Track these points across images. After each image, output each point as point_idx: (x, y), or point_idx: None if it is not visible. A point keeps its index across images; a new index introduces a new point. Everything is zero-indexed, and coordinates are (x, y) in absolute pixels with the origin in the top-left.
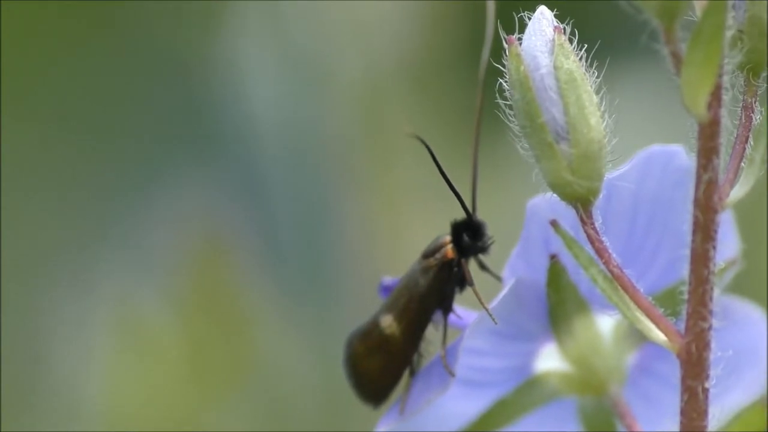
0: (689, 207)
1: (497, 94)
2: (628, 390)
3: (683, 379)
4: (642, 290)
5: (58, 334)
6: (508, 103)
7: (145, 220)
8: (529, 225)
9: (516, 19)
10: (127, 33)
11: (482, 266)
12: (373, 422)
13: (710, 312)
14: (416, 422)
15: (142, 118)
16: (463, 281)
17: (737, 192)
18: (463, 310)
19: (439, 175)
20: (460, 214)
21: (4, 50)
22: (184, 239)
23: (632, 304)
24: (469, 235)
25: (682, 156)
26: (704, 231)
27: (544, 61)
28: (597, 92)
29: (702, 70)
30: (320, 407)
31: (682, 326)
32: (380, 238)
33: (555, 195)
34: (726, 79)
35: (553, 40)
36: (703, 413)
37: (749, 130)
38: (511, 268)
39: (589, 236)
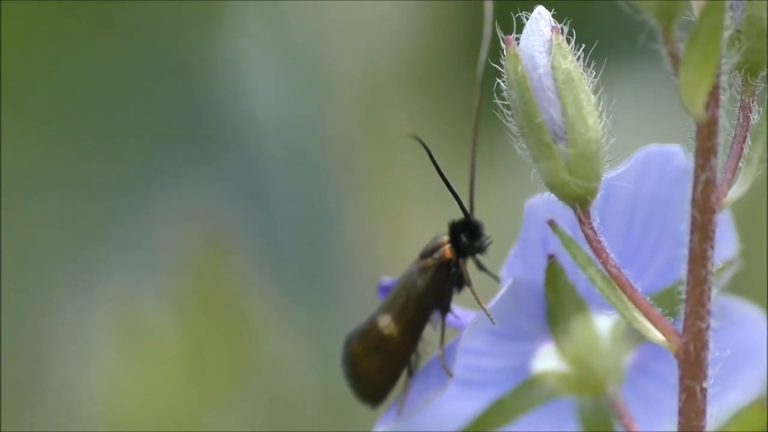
0: (687, 207)
1: (495, 94)
2: (626, 390)
3: (681, 378)
4: (640, 290)
5: (58, 334)
6: (506, 103)
7: (145, 220)
8: (526, 225)
9: (514, 19)
10: (127, 33)
11: (480, 266)
12: (372, 422)
13: (708, 312)
14: (414, 422)
15: (142, 118)
16: (461, 281)
17: (735, 192)
18: (461, 310)
19: (438, 175)
20: (460, 214)
21: (4, 50)
22: (184, 239)
23: (630, 304)
24: (467, 235)
25: (680, 156)
26: (702, 231)
27: (542, 61)
28: (595, 92)
29: (700, 69)
30: (320, 407)
31: (680, 326)
32: (380, 238)
33: (553, 195)
34: (724, 79)
35: (551, 40)
36: (702, 413)
37: (747, 130)
38: (509, 268)
39: (586, 236)
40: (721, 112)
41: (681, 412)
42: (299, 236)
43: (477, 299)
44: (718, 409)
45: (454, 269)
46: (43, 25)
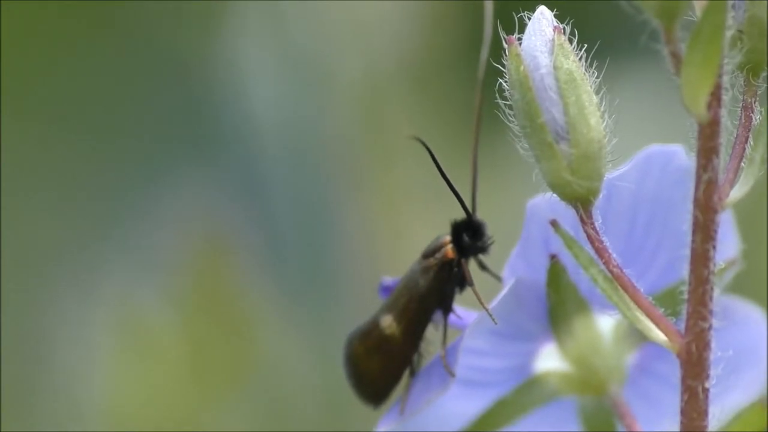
0: (689, 207)
1: (497, 94)
2: (628, 390)
3: (683, 379)
4: (642, 290)
5: (58, 334)
6: (507, 103)
7: (145, 220)
8: (529, 225)
9: (516, 19)
10: (127, 33)
11: (482, 266)
12: (373, 422)
13: (710, 312)
14: (416, 422)
15: (142, 118)
16: (463, 281)
17: (737, 192)
18: (463, 310)
19: (439, 175)
20: (460, 214)
21: (4, 50)
22: (184, 239)
23: (632, 304)
24: (469, 235)
25: (682, 156)
26: (704, 231)
27: (544, 61)
28: (597, 92)
29: (702, 70)
30: (320, 407)
31: (682, 326)
32: (380, 238)
33: (555, 195)
34: (726, 79)
35: (553, 40)
36: (703, 413)
37: (749, 130)
38: (511, 268)
39: (588, 236)
40: (723, 113)
41: (683, 412)
42: (299, 236)
43: (479, 299)
44: (720, 409)
45: (456, 269)
46: (43, 25)
